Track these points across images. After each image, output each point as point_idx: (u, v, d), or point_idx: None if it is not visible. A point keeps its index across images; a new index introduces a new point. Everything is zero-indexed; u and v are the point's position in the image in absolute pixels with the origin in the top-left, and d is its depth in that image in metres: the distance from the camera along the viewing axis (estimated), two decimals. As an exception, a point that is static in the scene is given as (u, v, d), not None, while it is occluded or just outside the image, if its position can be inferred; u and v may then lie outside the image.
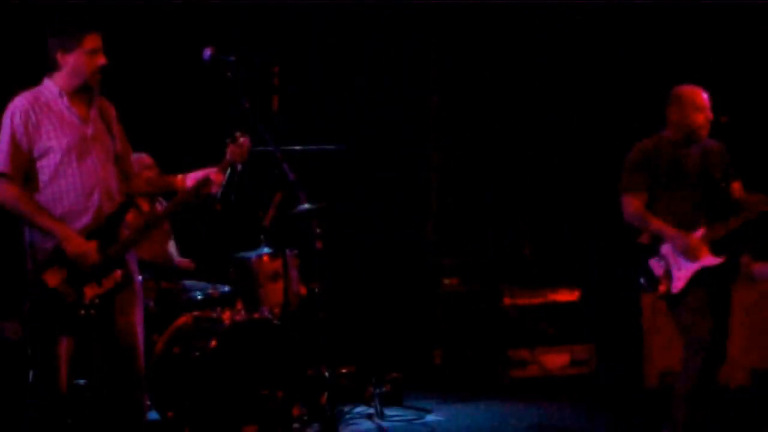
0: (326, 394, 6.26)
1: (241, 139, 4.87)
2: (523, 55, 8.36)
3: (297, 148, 6.55)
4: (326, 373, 6.28)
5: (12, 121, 4.57)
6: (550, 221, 8.55)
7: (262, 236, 6.59)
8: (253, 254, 6.58)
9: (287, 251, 6.44)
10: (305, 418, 6.23)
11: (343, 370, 6.98)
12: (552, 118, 8.44)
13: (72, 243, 4.51)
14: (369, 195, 8.22)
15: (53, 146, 4.57)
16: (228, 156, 4.87)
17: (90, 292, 4.54)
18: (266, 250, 6.56)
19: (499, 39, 8.34)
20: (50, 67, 4.66)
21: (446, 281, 8.11)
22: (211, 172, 4.83)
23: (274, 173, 5.29)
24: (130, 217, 4.80)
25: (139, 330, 4.73)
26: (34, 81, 4.73)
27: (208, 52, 4.82)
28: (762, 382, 7.16)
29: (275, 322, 6.24)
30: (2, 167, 4.55)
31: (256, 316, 6.29)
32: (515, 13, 8.16)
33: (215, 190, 4.85)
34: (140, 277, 4.88)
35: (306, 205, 5.44)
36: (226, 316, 6.15)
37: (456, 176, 8.57)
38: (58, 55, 4.61)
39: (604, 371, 7.71)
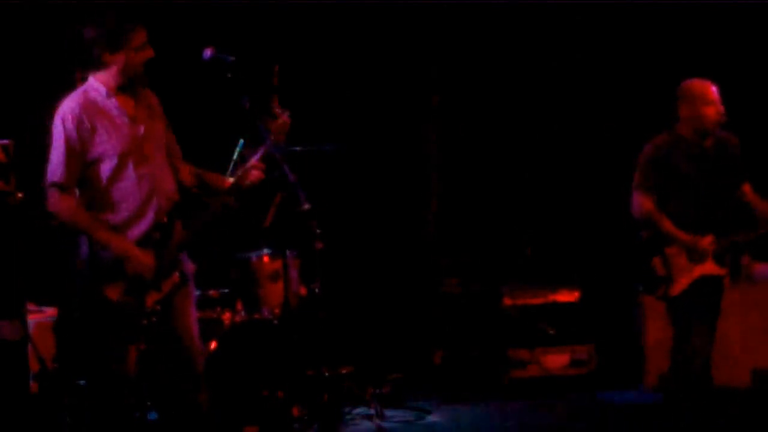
0: (326, 394, 6.26)
1: (284, 116, 4.76)
2: (524, 54, 8.36)
3: (297, 148, 6.54)
4: (326, 373, 6.29)
5: (64, 127, 4.41)
6: (550, 221, 8.54)
7: (262, 237, 6.59)
8: (253, 254, 6.58)
9: (287, 251, 6.44)
10: (305, 418, 6.23)
11: (343, 371, 6.98)
12: (552, 118, 8.43)
13: (132, 260, 4.40)
14: (369, 195, 8.22)
15: (108, 151, 4.43)
16: (272, 135, 4.71)
17: (150, 299, 4.46)
18: (266, 250, 6.56)
19: (500, 38, 8.33)
20: (91, 65, 4.49)
21: (446, 281, 8.10)
22: (252, 160, 4.68)
23: (274, 174, 5.29)
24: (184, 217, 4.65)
25: (195, 330, 4.65)
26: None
27: (208, 52, 4.80)
28: (762, 382, 7.17)
29: (275, 322, 6.24)
30: (58, 178, 4.39)
31: (256, 316, 6.29)
32: (516, 12, 8.15)
33: (257, 176, 4.67)
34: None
35: (306, 206, 5.43)
36: (226, 316, 6.16)
37: (456, 176, 8.56)
38: (105, 55, 4.44)
39: (604, 371, 7.71)
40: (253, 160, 4.69)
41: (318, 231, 6.48)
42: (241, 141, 4.79)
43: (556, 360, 7.65)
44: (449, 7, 8.16)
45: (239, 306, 6.36)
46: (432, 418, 6.78)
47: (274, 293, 6.46)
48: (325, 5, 7.90)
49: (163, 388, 4.61)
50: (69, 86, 5.76)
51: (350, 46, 8.12)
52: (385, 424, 6.58)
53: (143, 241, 4.48)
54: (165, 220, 4.54)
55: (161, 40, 7.30)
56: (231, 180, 4.72)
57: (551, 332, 7.73)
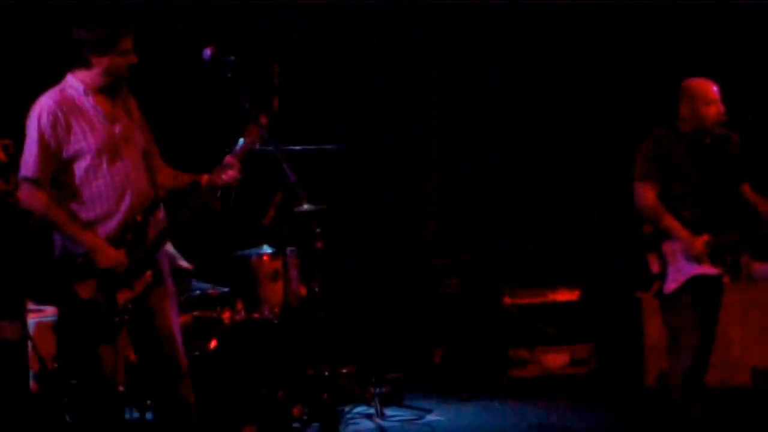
0: (326, 394, 6.26)
1: (261, 118, 4.80)
2: (523, 54, 8.36)
3: (297, 148, 6.55)
4: (326, 373, 6.29)
5: (39, 123, 4.45)
6: (550, 221, 8.54)
7: (261, 236, 6.59)
8: (253, 254, 6.58)
9: (287, 251, 6.44)
10: (305, 418, 6.23)
11: (343, 370, 6.97)
12: (552, 118, 8.43)
13: (101, 256, 4.42)
14: (369, 195, 8.22)
15: (83, 148, 4.46)
16: (246, 138, 4.75)
17: (122, 297, 4.46)
18: (266, 249, 6.56)
19: (500, 37, 8.33)
20: (75, 63, 4.54)
21: (446, 281, 8.10)
22: (227, 158, 4.69)
23: (274, 173, 5.29)
24: (159, 216, 4.66)
25: (177, 328, 4.66)
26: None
27: (208, 52, 4.80)
28: (762, 382, 7.16)
29: (275, 321, 6.24)
30: (31, 172, 4.43)
31: (256, 316, 6.29)
32: (515, 11, 8.15)
33: (232, 176, 4.68)
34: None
35: (306, 205, 5.43)
36: (226, 316, 6.15)
37: (456, 175, 8.56)
38: (91, 56, 4.49)
39: (604, 371, 7.71)
40: (228, 159, 4.70)
41: (318, 230, 6.49)
42: (240, 141, 4.77)
43: (556, 360, 7.65)
44: (449, 6, 8.15)
45: (239, 305, 6.36)
46: (432, 417, 6.78)
47: (274, 292, 6.46)
48: (326, 5, 7.90)
49: (151, 388, 4.62)
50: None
51: (351, 45, 8.12)
52: (385, 424, 6.58)
53: (116, 240, 4.50)
54: (139, 218, 4.55)
55: (161, 39, 7.33)
56: (207, 178, 4.71)
57: (551, 332, 7.73)
